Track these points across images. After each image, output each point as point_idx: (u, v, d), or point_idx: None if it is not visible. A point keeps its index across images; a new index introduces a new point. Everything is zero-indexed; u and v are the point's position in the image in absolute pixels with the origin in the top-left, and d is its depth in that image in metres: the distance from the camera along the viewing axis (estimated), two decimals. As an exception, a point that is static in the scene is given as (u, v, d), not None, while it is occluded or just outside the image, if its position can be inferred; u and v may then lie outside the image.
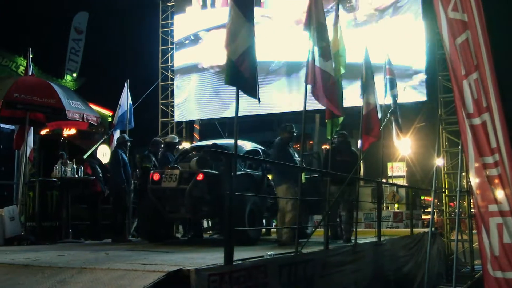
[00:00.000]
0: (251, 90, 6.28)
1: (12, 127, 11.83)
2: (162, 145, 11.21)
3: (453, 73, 5.60)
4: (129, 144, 11.29)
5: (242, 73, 6.10)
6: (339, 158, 9.98)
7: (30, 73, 10.89)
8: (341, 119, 8.56)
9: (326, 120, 8.62)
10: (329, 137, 8.77)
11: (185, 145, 16.44)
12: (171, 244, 8.98)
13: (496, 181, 5.30)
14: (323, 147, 11.35)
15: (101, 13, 30.07)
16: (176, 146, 11.50)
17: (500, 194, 5.26)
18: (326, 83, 7.67)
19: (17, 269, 5.53)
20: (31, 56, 11.08)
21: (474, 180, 5.66)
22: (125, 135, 11.28)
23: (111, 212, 10.82)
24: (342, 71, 8.63)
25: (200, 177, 8.73)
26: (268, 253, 6.59)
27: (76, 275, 5.09)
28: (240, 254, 6.04)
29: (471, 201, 16.09)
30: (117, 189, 10.59)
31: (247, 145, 10.14)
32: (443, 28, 5.69)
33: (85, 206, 11.17)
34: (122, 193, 10.59)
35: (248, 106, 17.27)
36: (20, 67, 22.37)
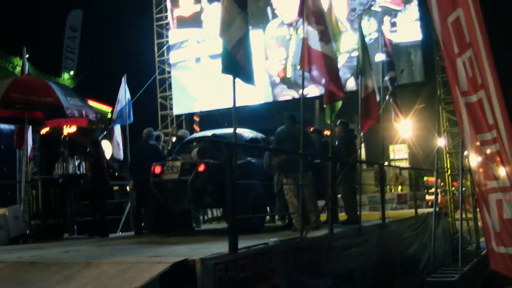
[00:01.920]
0: (248, 77, 6.29)
1: (12, 127, 11.88)
2: (174, 138, 11.22)
3: (446, 52, 5.59)
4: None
5: (237, 62, 6.12)
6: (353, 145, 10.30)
7: (26, 72, 10.88)
8: (339, 103, 8.54)
9: (325, 105, 8.61)
10: (328, 122, 8.76)
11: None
12: (176, 236, 9.01)
13: (495, 157, 5.31)
14: (327, 133, 11.34)
15: (95, 10, 29.97)
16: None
17: (498, 170, 5.27)
18: (329, 66, 7.69)
19: (23, 267, 5.56)
20: (27, 55, 11.06)
21: (472, 158, 5.67)
22: (151, 128, 11.01)
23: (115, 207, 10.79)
24: (338, 54, 8.62)
25: (201, 167, 8.72)
26: (273, 239, 6.62)
27: (83, 269, 5.11)
28: (245, 242, 6.07)
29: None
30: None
31: (247, 133, 10.13)
32: (433, 8, 5.68)
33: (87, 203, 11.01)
34: None
35: (246, 95, 17.30)
36: (17, 67, 22.28)
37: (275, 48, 18.84)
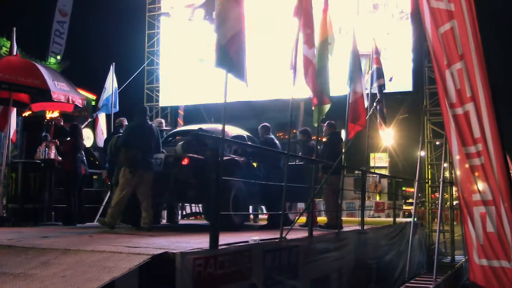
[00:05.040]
0: (240, 73, 6.27)
1: (-5, 108, 11.69)
2: None
3: (436, 63, 5.62)
4: None
5: (231, 57, 6.09)
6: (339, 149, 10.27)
7: (15, 53, 10.72)
8: (327, 106, 8.55)
9: (313, 108, 8.62)
10: (315, 125, 8.76)
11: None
12: (155, 229, 8.94)
13: (479, 171, 5.34)
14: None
15: (86, -4, 29.76)
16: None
17: (483, 183, 5.30)
18: (309, 71, 7.73)
19: (0, 250, 5.48)
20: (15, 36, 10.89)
21: (458, 170, 5.70)
22: (124, 118, 10.80)
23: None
24: (330, 58, 8.62)
25: (185, 161, 8.69)
26: (253, 238, 6.62)
27: (60, 256, 5.06)
28: (225, 239, 6.06)
29: (454, 191, 16.26)
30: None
31: (232, 130, 10.09)
32: (426, 18, 5.70)
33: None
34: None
35: (234, 92, 17.23)
36: (3, 48, 22.11)
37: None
